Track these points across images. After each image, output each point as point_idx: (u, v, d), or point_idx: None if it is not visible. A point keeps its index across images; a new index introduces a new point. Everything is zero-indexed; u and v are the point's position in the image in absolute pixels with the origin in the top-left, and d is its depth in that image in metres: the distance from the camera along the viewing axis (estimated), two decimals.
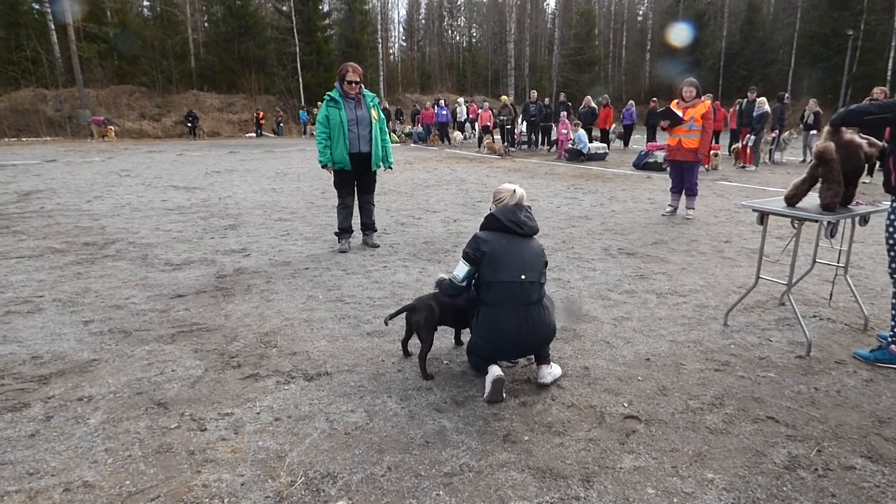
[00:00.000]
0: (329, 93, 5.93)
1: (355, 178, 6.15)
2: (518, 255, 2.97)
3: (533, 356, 3.24)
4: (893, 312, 3.30)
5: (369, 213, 6.38)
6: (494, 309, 2.96)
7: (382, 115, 6.19)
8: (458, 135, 24.54)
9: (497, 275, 2.93)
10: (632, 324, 4.04)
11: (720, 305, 4.39)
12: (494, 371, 2.95)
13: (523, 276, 2.93)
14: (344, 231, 6.23)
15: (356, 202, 6.31)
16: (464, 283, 3.07)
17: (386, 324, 3.49)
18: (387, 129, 6.26)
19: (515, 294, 2.92)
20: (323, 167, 5.98)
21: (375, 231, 6.53)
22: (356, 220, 6.34)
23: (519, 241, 3.03)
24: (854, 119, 3.33)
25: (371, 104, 6.00)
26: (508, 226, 3.02)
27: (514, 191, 3.16)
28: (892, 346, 3.32)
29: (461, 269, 3.05)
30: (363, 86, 5.98)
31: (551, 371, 3.14)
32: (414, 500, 2.21)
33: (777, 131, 15.31)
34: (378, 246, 6.31)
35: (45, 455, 2.49)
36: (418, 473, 2.37)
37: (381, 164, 6.13)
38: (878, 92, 12.21)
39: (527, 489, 2.27)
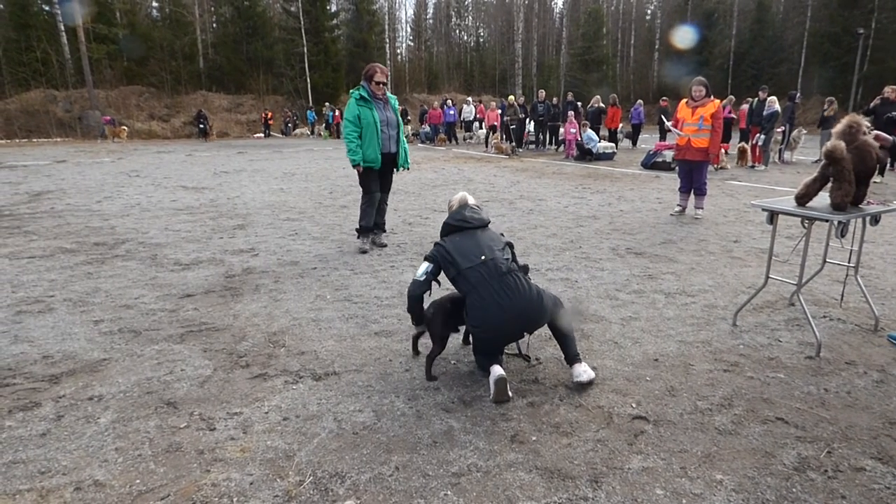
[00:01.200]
0: (357, 90, 5.93)
1: (382, 176, 6.27)
2: (474, 244, 3.21)
3: (564, 357, 3.23)
4: None
5: (382, 212, 6.45)
6: (472, 294, 3.08)
7: (400, 119, 6.27)
8: (481, 132, 24.59)
9: (461, 266, 3.14)
10: (640, 324, 4.03)
11: (729, 305, 4.37)
12: (496, 371, 2.98)
13: (483, 257, 3.13)
14: (365, 229, 6.27)
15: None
16: (422, 279, 3.26)
17: (416, 351, 3.57)
18: (404, 132, 6.35)
19: (482, 274, 3.08)
20: (354, 166, 6.02)
21: (385, 232, 6.58)
22: None
23: (472, 233, 3.30)
24: None
25: (395, 106, 6.13)
26: (457, 225, 3.34)
27: (460, 197, 3.59)
28: None
29: (420, 268, 3.30)
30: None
31: (586, 370, 3.12)
32: (422, 499, 2.21)
33: (784, 129, 15.16)
34: (385, 245, 6.35)
35: (56, 454, 2.51)
36: (426, 473, 2.37)
37: (402, 165, 6.30)
38: (889, 91, 12.05)
39: (535, 489, 2.27)
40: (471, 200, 3.55)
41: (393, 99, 6.14)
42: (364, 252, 6.09)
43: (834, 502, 2.19)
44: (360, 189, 6.27)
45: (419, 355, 3.49)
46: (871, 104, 12.61)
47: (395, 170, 6.34)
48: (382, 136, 5.94)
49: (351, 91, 6.00)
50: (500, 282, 3.04)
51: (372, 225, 6.31)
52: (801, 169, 13.89)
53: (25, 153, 19.99)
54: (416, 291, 3.29)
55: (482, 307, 3.02)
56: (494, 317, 3.00)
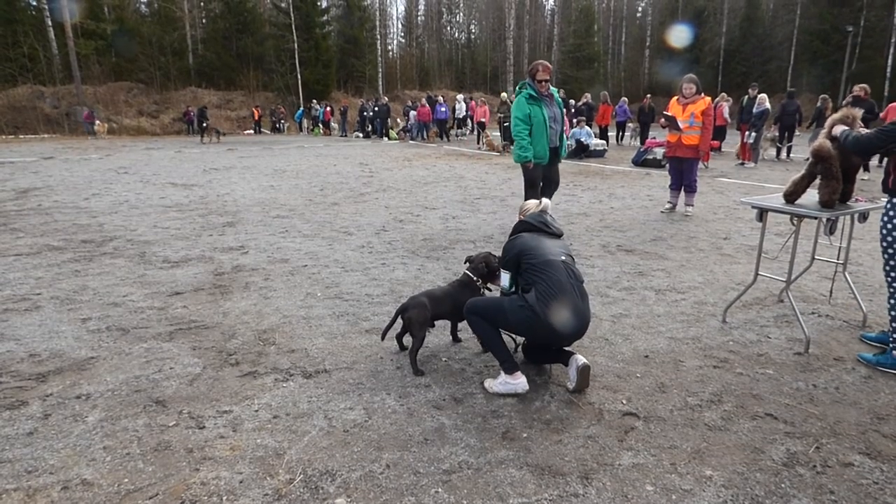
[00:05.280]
0: (524, 88, 6.16)
1: (546, 169, 6.50)
2: (553, 244, 3.12)
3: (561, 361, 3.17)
4: (893, 314, 3.27)
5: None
6: (553, 284, 2.88)
7: (564, 111, 6.54)
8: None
9: (540, 256, 3.00)
10: (630, 321, 4.04)
11: (719, 302, 4.39)
12: (523, 385, 2.97)
13: (563, 258, 3.02)
14: None
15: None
16: (513, 290, 3.17)
17: (382, 339, 3.53)
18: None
19: (563, 269, 2.96)
20: (525, 163, 6.25)
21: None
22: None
23: (548, 237, 3.21)
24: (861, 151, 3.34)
25: (559, 100, 6.33)
26: (538, 226, 3.23)
27: (540, 201, 3.46)
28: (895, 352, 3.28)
29: (504, 279, 3.19)
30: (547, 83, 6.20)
31: (581, 357, 3.04)
32: (413, 497, 2.21)
33: (773, 128, 15.22)
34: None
35: (43, 453, 2.48)
36: (417, 471, 2.36)
37: (564, 155, 6.60)
38: (857, 90, 12.29)
39: (525, 486, 2.27)
40: (549, 207, 3.45)
41: (556, 93, 6.34)
42: None
43: (822, 497, 2.20)
44: (524, 183, 6.60)
45: (404, 350, 3.51)
46: (844, 103, 12.86)
47: (559, 161, 6.58)
48: (550, 132, 6.17)
49: (517, 89, 6.27)
50: (578, 287, 2.97)
51: None
52: (791, 166, 13.98)
53: (12, 149, 19.77)
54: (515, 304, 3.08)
55: (560, 300, 2.85)
56: (569, 313, 2.87)
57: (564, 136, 6.52)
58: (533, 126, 6.09)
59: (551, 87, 6.25)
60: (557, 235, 3.26)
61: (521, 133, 6.10)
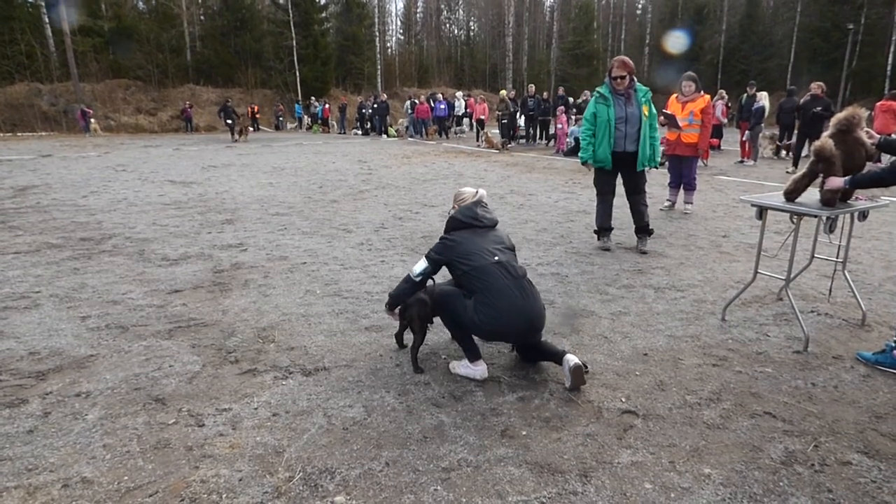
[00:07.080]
0: (598, 88, 5.76)
1: (616, 177, 5.91)
2: (484, 243, 3.13)
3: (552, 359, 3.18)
4: None
5: (641, 214, 5.90)
6: (486, 292, 2.99)
7: (654, 111, 5.79)
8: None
9: (473, 262, 3.06)
10: (630, 318, 4.05)
11: (718, 300, 4.39)
12: (482, 372, 3.09)
13: (496, 258, 3.06)
14: (602, 230, 6.01)
15: (623, 203, 6.01)
16: (418, 279, 3.21)
17: (400, 346, 3.55)
18: (657, 126, 5.89)
19: (498, 272, 3.01)
20: (583, 164, 5.88)
21: (650, 235, 6.01)
22: (617, 221, 6.26)
23: (482, 231, 3.22)
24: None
25: (643, 99, 5.63)
26: (468, 222, 3.23)
27: (476, 192, 3.42)
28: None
29: (420, 266, 3.22)
30: (634, 79, 5.63)
31: (573, 356, 3.04)
32: (412, 495, 2.21)
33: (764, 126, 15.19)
34: (646, 252, 5.81)
35: (43, 451, 2.48)
36: (416, 468, 2.37)
37: (646, 164, 5.75)
38: (815, 87, 12.34)
39: (524, 484, 2.27)
40: (484, 196, 3.42)
41: (642, 91, 5.63)
42: (606, 250, 5.90)
43: (820, 496, 2.21)
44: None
45: (405, 348, 3.50)
46: (801, 100, 12.96)
47: (638, 169, 5.76)
48: (616, 133, 5.57)
49: (596, 89, 5.83)
50: (517, 284, 3.01)
51: (607, 226, 6.01)
52: (790, 164, 13.95)
53: (10, 147, 19.72)
54: (409, 291, 3.24)
55: (496, 307, 2.95)
56: (508, 318, 2.96)
57: (653, 140, 5.69)
58: (597, 127, 5.62)
59: (639, 85, 5.63)
60: (491, 226, 3.26)
61: (583, 133, 5.77)
